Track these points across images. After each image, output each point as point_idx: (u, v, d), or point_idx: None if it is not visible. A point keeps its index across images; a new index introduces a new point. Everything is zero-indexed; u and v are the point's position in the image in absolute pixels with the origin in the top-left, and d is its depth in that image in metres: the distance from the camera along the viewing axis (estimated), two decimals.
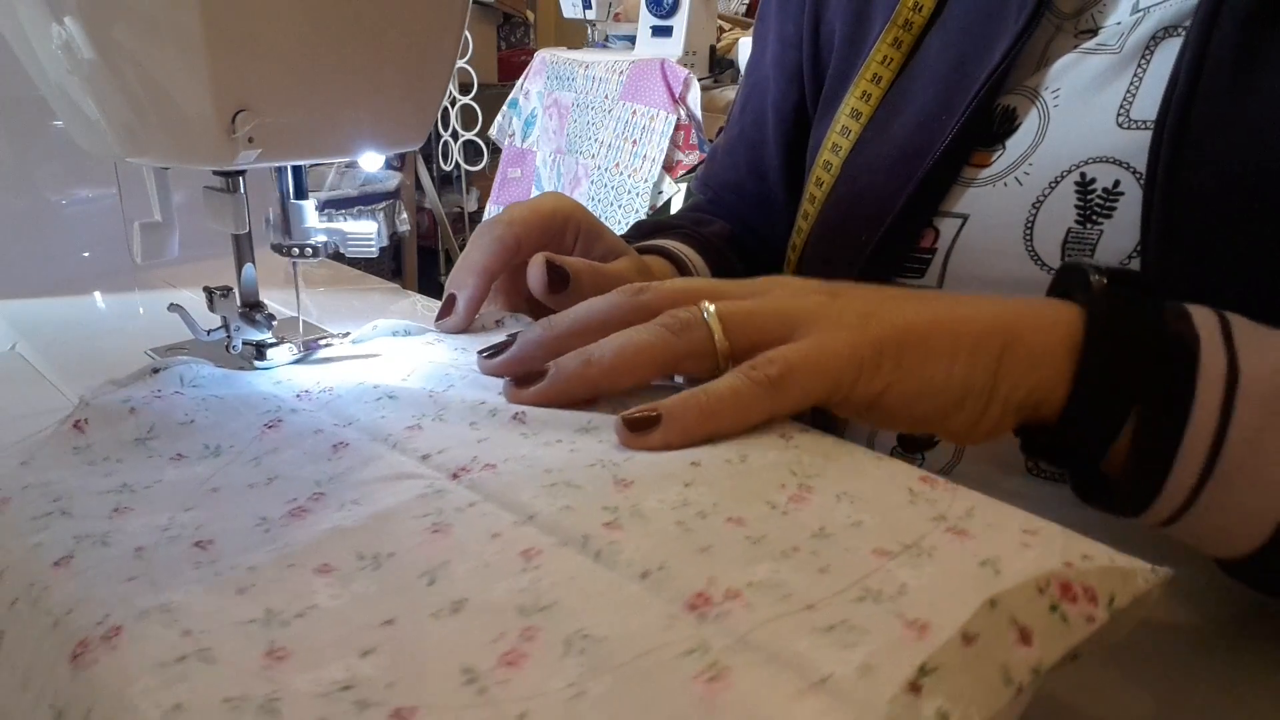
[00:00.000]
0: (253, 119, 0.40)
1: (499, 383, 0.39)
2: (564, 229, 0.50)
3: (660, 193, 2.02)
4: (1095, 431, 0.34)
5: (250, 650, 0.23)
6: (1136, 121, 0.43)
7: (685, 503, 0.29)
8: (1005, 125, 0.48)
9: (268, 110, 0.40)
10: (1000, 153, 0.48)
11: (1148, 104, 0.42)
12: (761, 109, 0.66)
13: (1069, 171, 0.44)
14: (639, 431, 0.33)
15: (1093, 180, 0.43)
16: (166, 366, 0.41)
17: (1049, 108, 0.46)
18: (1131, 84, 0.43)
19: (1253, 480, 0.31)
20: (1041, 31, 0.48)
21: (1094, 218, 0.43)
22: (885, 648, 0.22)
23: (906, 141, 0.51)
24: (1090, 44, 0.46)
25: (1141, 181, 0.42)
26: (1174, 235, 0.40)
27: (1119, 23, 0.45)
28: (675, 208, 1.98)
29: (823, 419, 0.58)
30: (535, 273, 0.45)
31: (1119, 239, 0.43)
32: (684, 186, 1.99)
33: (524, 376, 0.37)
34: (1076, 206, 0.44)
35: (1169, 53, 0.42)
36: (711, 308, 0.35)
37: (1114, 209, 0.43)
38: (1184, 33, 0.42)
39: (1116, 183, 0.43)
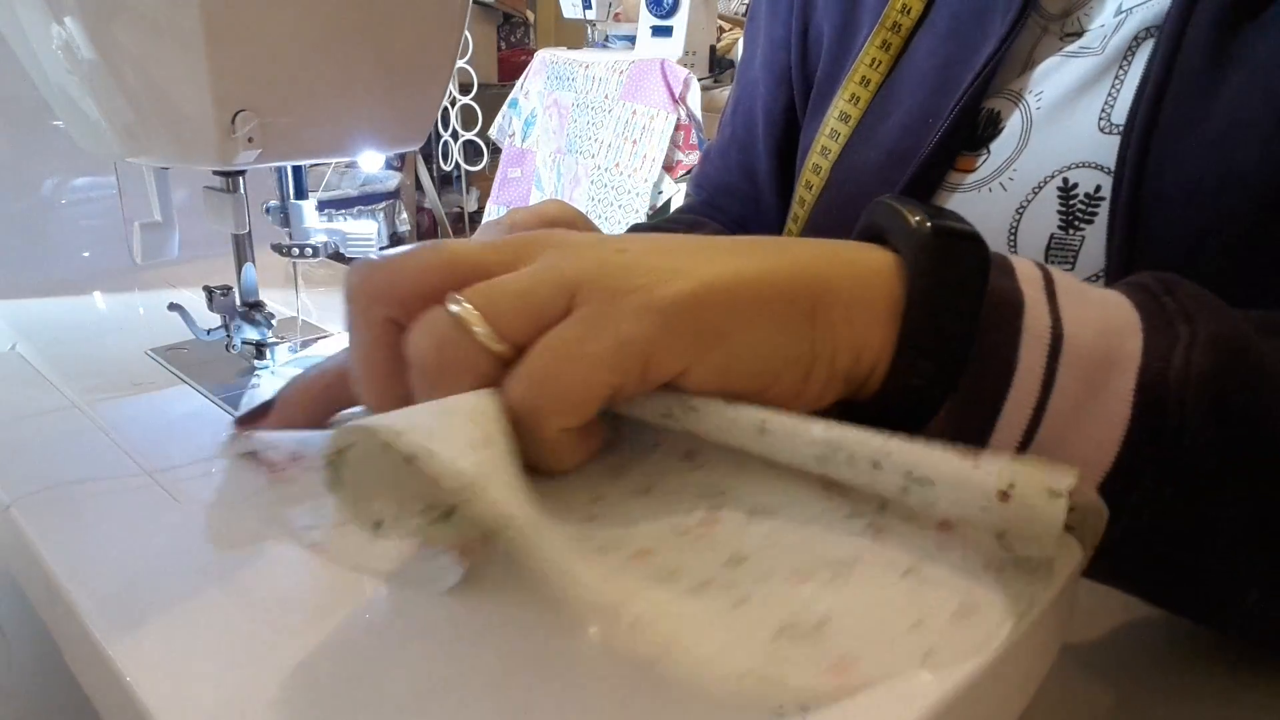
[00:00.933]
0: (253, 119, 0.40)
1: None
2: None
3: (660, 193, 2.02)
4: (920, 404, 0.29)
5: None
6: (1116, 125, 0.42)
7: (586, 537, 0.27)
8: (990, 129, 0.48)
9: (268, 110, 0.40)
10: (985, 158, 0.48)
11: (1126, 107, 0.42)
12: (751, 111, 0.67)
13: (1051, 177, 0.44)
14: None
15: (1074, 186, 0.43)
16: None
17: (1032, 111, 0.46)
18: (1113, 87, 0.43)
19: (1067, 457, 0.28)
20: (1028, 33, 0.48)
21: (1076, 223, 0.43)
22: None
23: (894, 145, 0.51)
24: (1074, 46, 0.46)
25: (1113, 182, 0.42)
26: (1140, 239, 0.39)
27: (1103, 25, 0.45)
28: (675, 208, 1.98)
29: None
30: None
31: (1100, 244, 0.42)
32: (684, 186, 1.99)
33: (250, 415, 0.33)
34: (1059, 212, 0.44)
35: (1147, 55, 0.42)
36: (460, 305, 0.27)
37: (1095, 214, 0.43)
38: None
39: (1098, 188, 0.43)
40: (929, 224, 0.29)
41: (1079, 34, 0.46)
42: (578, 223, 0.50)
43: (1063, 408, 0.28)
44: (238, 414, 0.33)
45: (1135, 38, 0.43)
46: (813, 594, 0.24)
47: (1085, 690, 0.32)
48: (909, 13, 0.52)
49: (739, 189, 0.70)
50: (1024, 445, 0.28)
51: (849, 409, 0.30)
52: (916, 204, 0.30)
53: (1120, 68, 0.43)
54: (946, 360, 0.28)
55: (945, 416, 0.29)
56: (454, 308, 0.27)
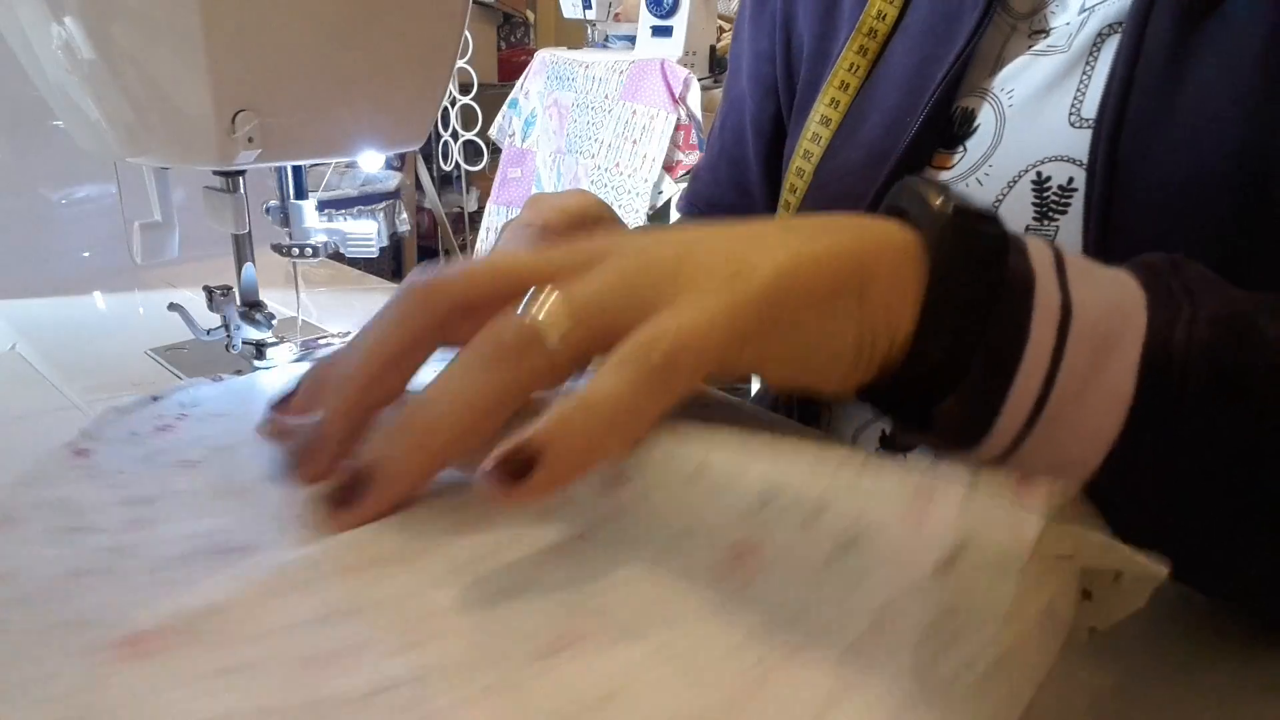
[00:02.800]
0: (253, 119, 0.40)
1: None
2: (592, 229, 0.50)
3: (660, 193, 2.02)
4: (938, 381, 0.29)
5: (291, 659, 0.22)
6: (1086, 120, 0.44)
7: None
8: (965, 127, 0.49)
9: (268, 110, 0.40)
10: (962, 154, 0.49)
11: (1095, 102, 0.43)
12: (740, 125, 0.68)
13: (1025, 171, 0.46)
14: (514, 480, 0.24)
15: (1048, 179, 0.44)
16: (166, 396, 0.40)
17: (1004, 109, 0.48)
18: (1080, 83, 0.44)
19: (1075, 427, 0.29)
20: (997, 32, 0.49)
21: (1050, 214, 0.44)
22: None
23: (874, 145, 0.52)
24: (1041, 45, 0.47)
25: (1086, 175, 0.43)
26: (1115, 231, 0.41)
27: (1068, 23, 0.46)
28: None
29: (810, 412, 0.59)
30: None
31: (1073, 235, 0.43)
32: (684, 186, 1.99)
33: (340, 496, 0.28)
34: (1034, 205, 0.45)
35: (1113, 50, 0.43)
36: (550, 302, 0.27)
37: (1068, 205, 0.44)
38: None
39: (1070, 179, 0.44)
40: (950, 205, 0.30)
41: (1045, 32, 0.47)
42: (604, 214, 0.50)
43: (1071, 379, 0.29)
44: (273, 398, 0.32)
45: (1099, 34, 0.44)
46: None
47: (1087, 674, 0.32)
48: (884, 19, 0.54)
49: (731, 203, 0.71)
50: (1033, 416, 0.29)
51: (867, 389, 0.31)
52: (937, 186, 0.31)
53: (1087, 64, 0.44)
54: (964, 333, 0.29)
55: (961, 389, 0.29)
56: (548, 304, 0.27)
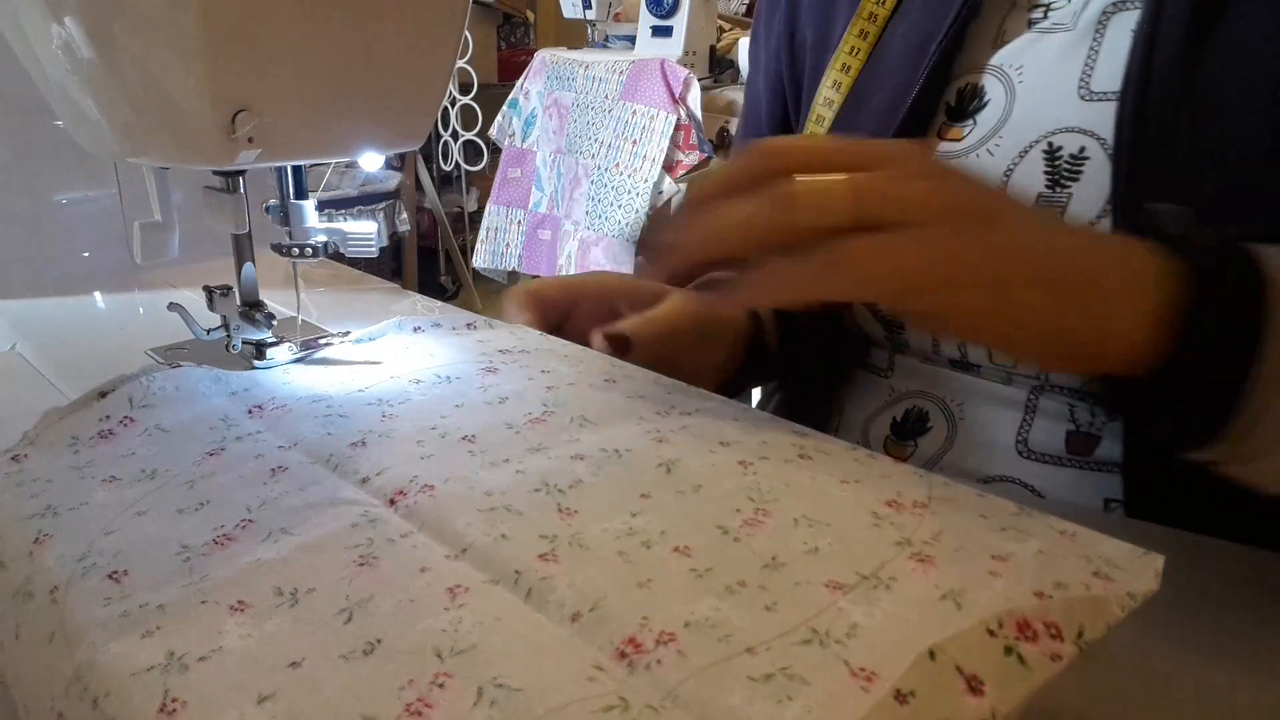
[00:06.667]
0: (253, 119, 0.40)
1: (455, 399, 0.39)
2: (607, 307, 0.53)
3: (660, 193, 2.02)
4: (1203, 400, 0.34)
5: (148, 705, 0.22)
6: (1096, 93, 0.46)
7: (631, 531, 0.27)
8: (974, 103, 0.51)
9: (268, 110, 0.40)
10: (971, 128, 0.51)
11: (1105, 76, 0.46)
12: (758, 123, 0.70)
13: (1036, 142, 0.48)
14: (710, 286, 0.35)
15: (1059, 149, 0.47)
16: (114, 389, 0.40)
17: (1014, 84, 0.50)
18: (1089, 59, 0.47)
19: None
20: (995, 7, 0.52)
21: (1062, 182, 0.47)
22: (824, 702, 0.20)
23: (878, 121, 0.54)
24: (1047, 24, 0.49)
25: (1105, 146, 0.45)
26: (1145, 202, 0.42)
27: (1071, 1, 0.49)
28: (675, 208, 1.98)
29: (821, 411, 0.59)
30: (598, 345, 0.49)
31: (1086, 201, 0.46)
32: (684, 187, 1.98)
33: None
34: (1045, 173, 0.47)
35: (1120, 26, 0.46)
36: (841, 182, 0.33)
37: (1080, 173, 0.46)
38: (1132, 6, 0.45)
39: (1082, 149, 0.46)
40: (1212, 235, 0.34)
41: (1044, 7, 0.50)
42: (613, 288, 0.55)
43: None
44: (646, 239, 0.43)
45: (1105, 11, 0.47)
46: (846, 604, 0.24)
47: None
48: (883, 3, 0.56)
49: None
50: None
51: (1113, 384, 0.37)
52: (1202, 227, 0.35)
53: (1095, 40, 0.47)
54: (1210, 362, 0.33)
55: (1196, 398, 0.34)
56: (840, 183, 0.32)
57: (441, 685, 0.22)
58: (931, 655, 0.21)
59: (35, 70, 0.46)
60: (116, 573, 0.28)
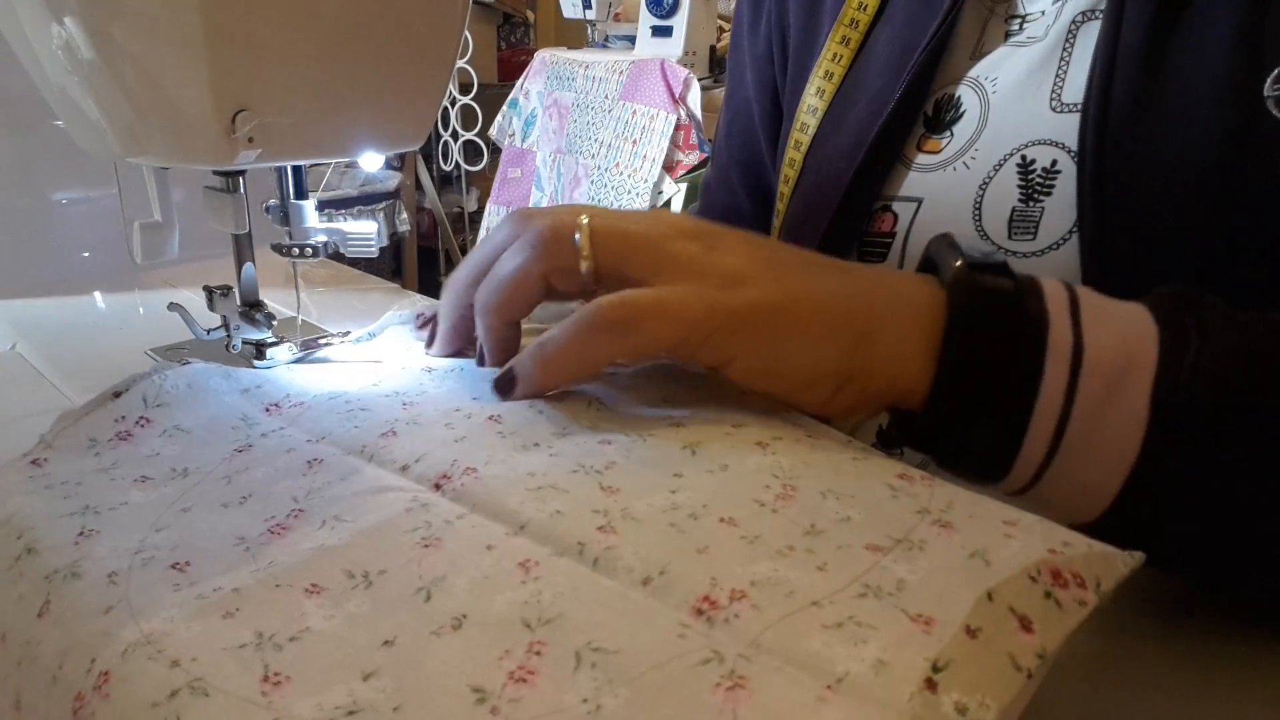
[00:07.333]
0: (253, 119, 0.40)
1: (473, 385, 0.39)
2: None
3: (660, 193, 2.02)
4: (955, 426, 0.34)
5: (246, 677, 0.23)
6: (1067, 105, 0.46)
7: (675, 506, 0.28)
8: (951, 114, 0.51)
9: (268, 110, 0.40)
10: (949, 139, 0.51)
11: (1075, 88, 0.45)
12: (749, 130, 0.69)
13: (1011, 154, 0.47)
14: (504, 391, 0.37)
15: (1033, 162, 0.46)
16: (128, 388, 0.39)
17: (989, 96, 0.49)
18: (1059, 70, 0.47)
19: (1094, 456, 0.32)
20: (974, 16, 0.52)
21: (1035, 196, 0.46)
22: (896, 643, 0.22)
23: (860, 129, 0.54)
24: (1021, 36, 0.49)
25: (1076, 159, 0.44)
26: (1108, 214, 0.42)
27: (1043, 11, 0.49)
28: (675, 208, 1.98)
29: None
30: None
31: (1059, 215, 0.45)
32: (684, 186, 1.98)
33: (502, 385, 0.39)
34: (1019, 186, 0.47)
35: (1089, 36, 0.46)
36: (585, 221, 0.36)
37: (1053, 186, 0.46)
38: (1100, 16, 0.45)
39: (1054, 162, 0.46)
40: (967, 267, 0.34)
41: (1020, 17, 0.50)
42: None
43: (1085, 412, 0.32)
44: (419, 314, 0.48)
45: (1074, 21, 0.47)
46: (888, 562, 0.25)
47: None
48: (865, 9, 0.56)
49: (746, 210, 0.71)
50: (1053, 448, 0.32)
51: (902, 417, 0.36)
52: (958, 247, 0.35)
53: (1064, 51, 0.47)
54: (982, 377, 0.33)
55: (983, 426, 0.33)
56: (582, 223, 0.36)
57: (539, 653, 0.23)
58: (989, 597, 0.23)
59: (35, 71, 0.46)
60: (179, 564, 0.28)
